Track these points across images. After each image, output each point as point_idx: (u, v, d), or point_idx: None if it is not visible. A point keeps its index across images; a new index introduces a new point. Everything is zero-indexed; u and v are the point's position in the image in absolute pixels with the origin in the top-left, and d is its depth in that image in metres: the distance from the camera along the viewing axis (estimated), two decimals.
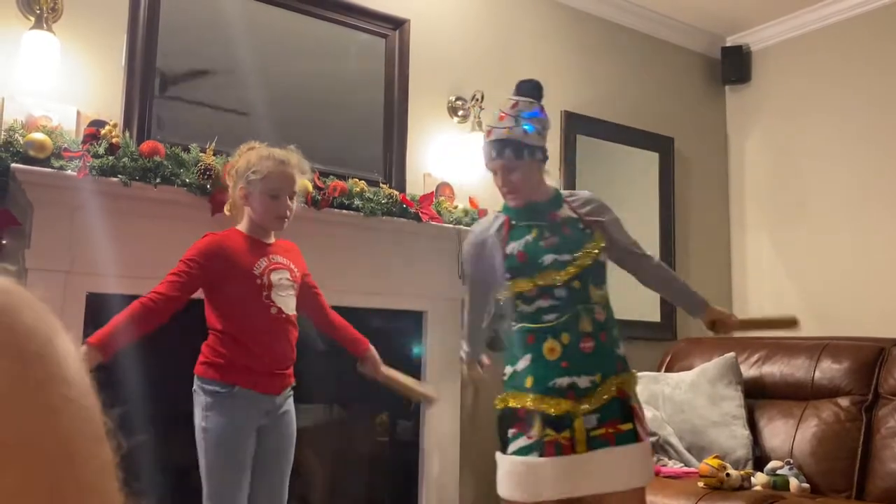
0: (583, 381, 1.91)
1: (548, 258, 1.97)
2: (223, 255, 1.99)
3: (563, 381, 1.91)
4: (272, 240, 2.12)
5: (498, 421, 2.00)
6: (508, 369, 2.02)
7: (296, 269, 2.12)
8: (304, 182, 2.69)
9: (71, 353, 0.34)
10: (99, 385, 0.34)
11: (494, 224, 2.06)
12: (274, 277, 2.03)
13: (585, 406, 1.90)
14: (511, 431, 1.94)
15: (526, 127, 1.99)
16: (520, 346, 2.00)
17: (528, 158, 2.00)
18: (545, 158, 2.06)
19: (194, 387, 2.01)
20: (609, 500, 1.90)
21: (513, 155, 1.99)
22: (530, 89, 2.07)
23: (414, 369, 3.09)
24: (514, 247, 2.00)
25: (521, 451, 1.91)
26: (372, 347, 2.30)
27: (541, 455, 1.87)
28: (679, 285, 2.19)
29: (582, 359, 1.92)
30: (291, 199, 2.07)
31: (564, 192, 2.12)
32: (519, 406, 1.94)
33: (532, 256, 1.98)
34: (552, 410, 1.89)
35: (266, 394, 2.02)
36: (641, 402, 2.04)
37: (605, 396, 1.91)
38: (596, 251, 2.00)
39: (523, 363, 1.97)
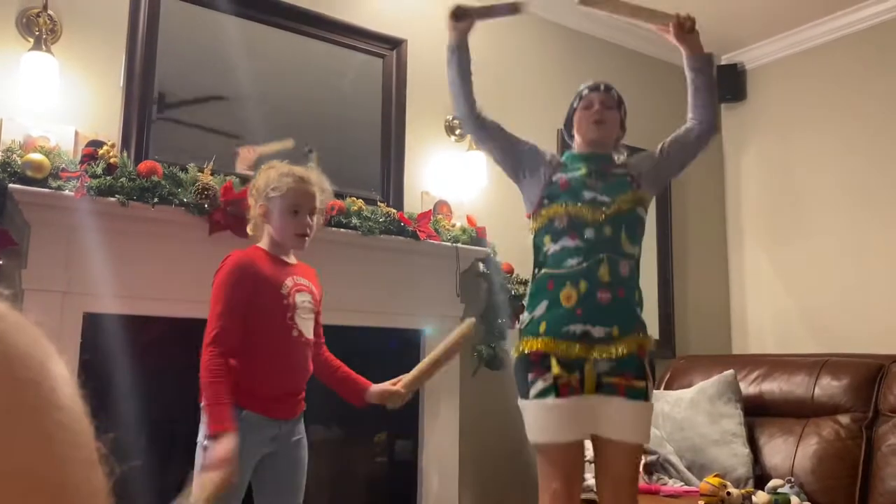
0: (597, 331, 1.94)
1: (588, 194, 2.03)
2: (252, 273, 1.95)
3: (577, 328, 1.95)
4: (294, 260, 2.09)
5: (515, 368, 2.03)
6: (526, 316, 2.06)
7: (316, 293, 2.10)
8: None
9: (64, 378, 0.33)
10: (92, 410, 0.34)
11: (556, 156, 2.16)
12: (298, 299, 2.00)
13: (600, 352, 1.93)
14: (530, 376, 1.96)
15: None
16: (539, 293, 2.04)
17: (621, 114, 2.15)
18: (623, 133, 2.18)
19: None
20: (607, 449, 1.94)
21: (616, 99, 2.14)
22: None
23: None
24: (560, 176, 2.07)
25: (541, 394, 1.93)
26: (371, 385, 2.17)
27: (557, 396, 1.91)
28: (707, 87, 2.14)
29: (597, 309, 1.95)
30: (312, 215, 2.04)
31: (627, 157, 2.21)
32: (533, 350, 1.97)
33: (574, 187, 2.04)
34: (564, 353, 1.93)
35: (276, 419, 1.96)
36: None
37: (625, 350, 1.93)
38: (635, 201, 2.05)
39: (540, 310, 2.01)
